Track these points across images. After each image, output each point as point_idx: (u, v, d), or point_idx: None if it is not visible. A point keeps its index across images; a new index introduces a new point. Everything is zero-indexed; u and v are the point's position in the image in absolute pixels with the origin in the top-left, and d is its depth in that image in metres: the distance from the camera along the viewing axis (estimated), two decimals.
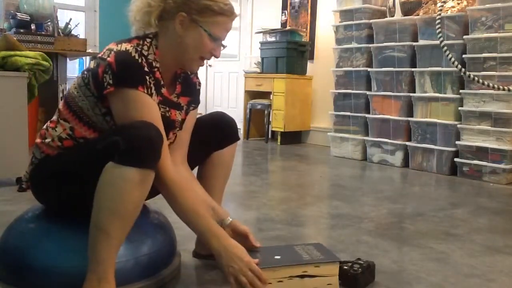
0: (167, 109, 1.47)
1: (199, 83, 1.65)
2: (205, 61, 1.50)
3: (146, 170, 1.23)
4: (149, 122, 1.27)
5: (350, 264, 1.53)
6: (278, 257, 1.44)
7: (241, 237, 1.54)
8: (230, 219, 1.55)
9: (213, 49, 1.44)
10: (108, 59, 1.31)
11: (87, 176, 1.28)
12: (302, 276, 1.40)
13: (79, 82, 1.41)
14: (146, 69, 1.36)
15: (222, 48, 1.48)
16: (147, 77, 1.35)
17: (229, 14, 1.42)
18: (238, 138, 1.75)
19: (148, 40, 1.42)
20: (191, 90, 1.59)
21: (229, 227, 1.55)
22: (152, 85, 1.37)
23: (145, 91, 1.33)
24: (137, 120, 1.28)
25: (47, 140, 1.41)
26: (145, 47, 1.39)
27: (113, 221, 1.22)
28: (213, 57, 1.48)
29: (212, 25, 1.40)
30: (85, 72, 1.40)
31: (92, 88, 1.36)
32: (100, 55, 1.36)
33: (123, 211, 1.23)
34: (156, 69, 1.40)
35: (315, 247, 1.53)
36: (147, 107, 1.32)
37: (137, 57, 1.34)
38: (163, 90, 1.45)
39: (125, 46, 1.35)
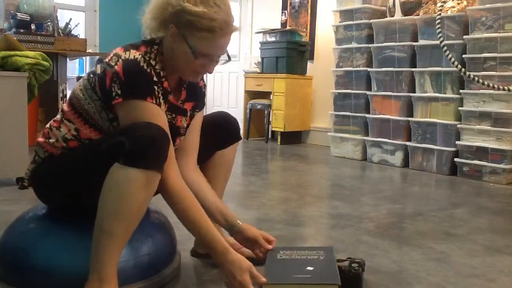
0: (174, 115, 1.46)
1: (204, 85, 1.64)
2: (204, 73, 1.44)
3: (151, 172, 1.22)
4: (155, 124, 1.25)
5: (347, 263, 1.52)
6: (311, 268, 1.40)
7: (251, 242, 1.55)
8: (240, 223, 1.55)
9: (202, 65, 1.37)
10: (116, 67, 1.29)
11: (91, 177, 1.27)
12: None
13: (85, 84, 1.39)
14: (154, 79, 1.34)
15: (224, 62, 1.42)
16: (156, 87, 1.33)
17: (218, 30, 1.31)
18: (240, 138, 1.75)
19: (155, 47, 1.39)
20: (197, 94, 1.57)
21: (239, 233, 1.55)
22: (160, 94, 1.35)
23: (154, 102, 1.31)
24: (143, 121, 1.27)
25: (51, 140, 1.41)
26: (153, 55, 1.37)
27: (118, 223, 1.22)
28: (209, 72, 1.42)
29: (199, 41, 1.32)
30: (91, 76, 1.38)
31: (99, 93, 1.35)
32: (107, 60, 1.33)
33: (128, 213, 1.22)
34: (164, 79, 1.39)
35: (325, 252, 1.51)
36: (155, 117, 1.30)
37: (145, 67, 1.32)
38: (170, 97, 1.43)
39: (133, 54, 1.32)
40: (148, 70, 1.32)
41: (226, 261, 1.34)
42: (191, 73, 1.41)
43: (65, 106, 1.44)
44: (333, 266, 1.39)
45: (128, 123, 1.29)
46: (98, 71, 1.35)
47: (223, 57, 1.43)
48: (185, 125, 1.52)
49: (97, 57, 5.16)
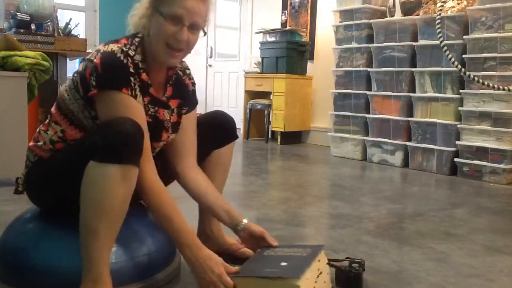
0: (156, 108, 1.45)
1: (193, 84, 1.61)
2: (179, 51, 1.38)
3: (127, 166, 1.22)
4: (127, 118, 1.25)
5: (347, 263, 1.52)
6: (285, 263, 1.38)
7: (257, 239, 1.56)
8: (245, 222, 1.55)
9: (175, 32, 1.34)
10: (95, 60, 1.31)
11: (76, 177, 1.26)
12: None
13: (69, 84, 1.40)
14: (131, 70, 1.34)
15: (198, 33, 1.39)
16: (132, 78, 1.33)
17: None
18: (237, 137, 1.75)
19: (137, 39, 1.39)
20: (183, 92, 1.56)
21: (244, 231, 1.55)
22: (137, 86, 1.35)
23: (129, 93, 1.31)
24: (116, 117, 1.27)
25: (39, 143, 1.41)
26: (133, 47, 1.37)
27: (100, 220, 1.21)
28: (182, 45, 1.37)
29: (167, 5, 1.33)
30: (75, 75, 1.39)
31: (81, 90, 1.35)
32: (88, 56, 1.35)
33: (109, 210, 1.22)
34: (142, 70, 1.38)
35: (312, 250, 1.49)
36: (130, 109, 1.30)
37: (122, 58, 1.32)
38: (151, 90, 1.43)
39: (111, 47, 1.34)
40: (125, 61, 1.33)
41: (202, 256, 1.35)
42: (164, 49, 1.37)
43: (52, 109, 1.45)
44: (306, 262, 1.35)
45: (105, 115, 1.30)
46: (81, 68, 1.36)
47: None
48: (169, 118, 1.50)
49: None
